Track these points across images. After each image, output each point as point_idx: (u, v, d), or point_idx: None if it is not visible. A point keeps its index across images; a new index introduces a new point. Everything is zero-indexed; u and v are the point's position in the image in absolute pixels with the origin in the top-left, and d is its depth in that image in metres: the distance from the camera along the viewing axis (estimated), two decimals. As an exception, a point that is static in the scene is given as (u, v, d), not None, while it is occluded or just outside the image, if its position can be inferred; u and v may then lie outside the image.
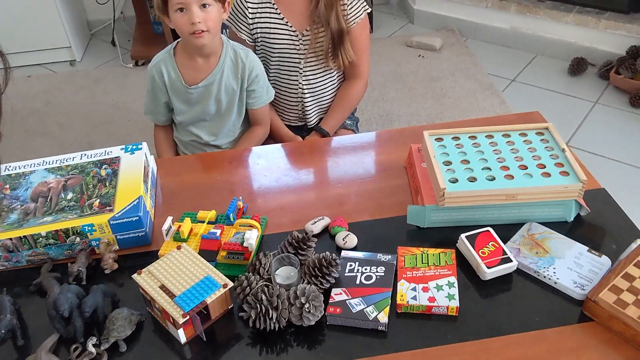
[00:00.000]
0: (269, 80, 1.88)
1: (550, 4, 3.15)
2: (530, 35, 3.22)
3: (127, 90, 3.11)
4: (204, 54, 1.64)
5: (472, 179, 1.20)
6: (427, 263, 1.12)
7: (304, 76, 1.88)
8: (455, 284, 1.07)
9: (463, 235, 1.16)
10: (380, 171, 1.42)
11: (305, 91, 1.91)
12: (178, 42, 1.69)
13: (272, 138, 1.93)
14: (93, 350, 1.00)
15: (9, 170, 1.36)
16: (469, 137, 1.33)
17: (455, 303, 1.04)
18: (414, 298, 1.05)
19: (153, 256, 1.21)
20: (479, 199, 1.18)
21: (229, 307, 1.08)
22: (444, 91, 2.89)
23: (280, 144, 1.66)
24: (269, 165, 1.49)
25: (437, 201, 1.20)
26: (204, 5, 1.52)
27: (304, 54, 1.83)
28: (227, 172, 1.48)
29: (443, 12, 3.45)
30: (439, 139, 1.33)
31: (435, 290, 1.06)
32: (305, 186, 1.41)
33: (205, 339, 1.02)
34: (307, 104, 1.94)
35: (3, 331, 1.01)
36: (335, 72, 1.93)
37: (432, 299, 1.05)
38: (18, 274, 1.21)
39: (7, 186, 1.31)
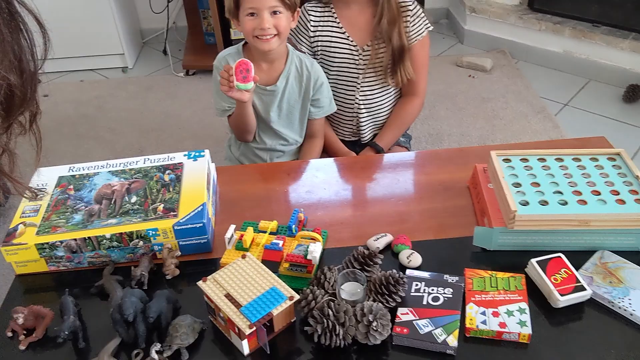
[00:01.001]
0: None
1: (606, 29, 3.09)
2: (584, 60, 3.16)
3: (177, 99, 3.15)
4: (268, 59, 1.64)
5: (544, 203, 1.16)
6: (497, 287, 1.08)
7: (361, 91, 1.87)
8: (527, 310, 1.03)
9: (534, 260, 1.12)
10: (442, 190, 1.39)
11: (362, 106, 1.90)
12: (246, 43, 1.69)
13: (326, 152, 1.92)
14: (156, 357, 0.99)
15: (73, 171, 1.37)
16: (538, 160, 1.30)
17: (527, 330, 1.00)
18: (484, 322, 1.02)
19: (213, 264, 1.21)
20: (551, 224, 1.14)
21: (292, 321, 1.06)
22: (495, 112, 2.85)
23: (339, 158, 1.65)
24: (327, 179, 1.47)
25: (506, 224, 1.16)
26: (274, 12, 1.53)
27: (363, 69, 1.82)
28: (285, 183, 1.47)
29: (494, 33, 3.41)
30: (507, 160, 1.30)
31: (505, 315, 1.03)
32: (365, 201, 1.39)
33: (269, 352, 1.01)
34: (362, 119, 1.93)
35: (66, 332, 1.01)
36: (392, 89, 1.92)
37: (502, 325, 1.01)
38: (79, 275, 1.21)
39: (71, 187, 1.32)
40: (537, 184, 1.22)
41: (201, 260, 1.22)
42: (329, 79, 1.85)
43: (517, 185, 1.22)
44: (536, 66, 3.28)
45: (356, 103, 1.89)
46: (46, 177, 1.36)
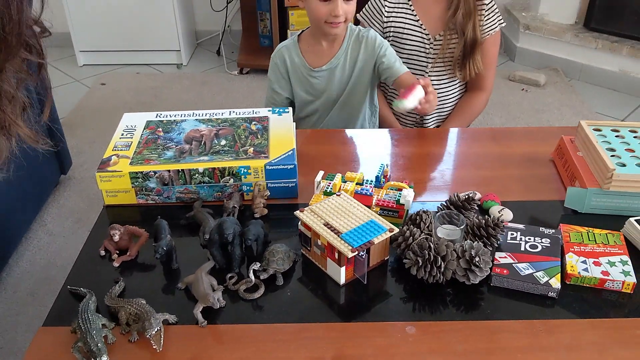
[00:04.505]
0: None
1: (664, 51, 3.08)
2: (640, 80, 3.14)
3: (232, 94, 3.19)
4: (330, 39, 1.65)
5: (641, 166, 1.15)
6: (595, 241, 1.06)
7: None
8: (629, 262, 1.01)
9: (633, 219, 1.10)
10: (525, 161, 1.38)
11: None
12: (303, 31, 1.70)
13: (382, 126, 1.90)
14: (252, 277, 0.98)
15: (160, 117, 1.40)
16: (630, 131, 1.28)
17: (631, 279, 0.98)
18: (586, 270, 1.00)
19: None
20: (650, 185, 1.13)
21: (386, 258, 1.05)
22: (551, 123, 2.83)
23: (419, 129, 1.65)
24: (408, 145, 1.48)
25: (601, 184, 1.15)
26: None
27: (433, 58, 1.83)
28: (366, 146, 1.48)
29: (548, 51, 3.42)
30: (597, 129, 1.29)
31: (607, 265, 1.00)
32: (448, 165, 1.39)
33: (365, 282, 0.99)
34: None
35: (165, 248, 1.01)
36: (458, 82, 1.91)
37: (605, 273, 0.99)
38: (166, 210, 1.22)
39: (160, 129, 1.34)
40: (632, 150, 1.21)
41: (288, 205, 1.22)
42: (397, 65, 1.85)
43: (611, 150, 1.21)
44: (590, 85, 3.27)
45: None
46: (134, 121, 1.38)
